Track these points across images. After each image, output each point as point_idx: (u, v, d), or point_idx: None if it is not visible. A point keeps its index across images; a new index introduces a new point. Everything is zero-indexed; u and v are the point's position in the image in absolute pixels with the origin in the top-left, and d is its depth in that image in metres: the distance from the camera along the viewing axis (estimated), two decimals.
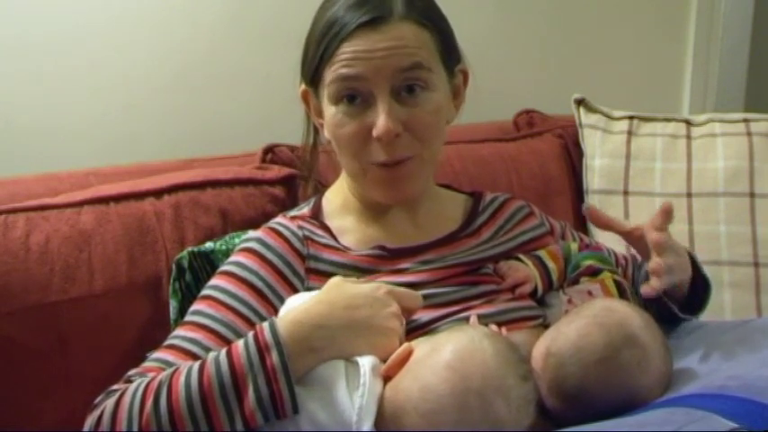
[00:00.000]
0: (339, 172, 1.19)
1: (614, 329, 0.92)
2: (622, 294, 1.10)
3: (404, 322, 0.95)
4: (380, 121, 0.99)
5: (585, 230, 1.54)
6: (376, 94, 1.00)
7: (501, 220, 1.19)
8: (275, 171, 1.37)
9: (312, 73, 1.05)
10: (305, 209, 1.16)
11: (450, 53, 1.08)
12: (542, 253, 1.14)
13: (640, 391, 0.90)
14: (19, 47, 1.42)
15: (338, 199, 1.16)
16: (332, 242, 1.09)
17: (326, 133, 1.09)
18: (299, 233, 1.08)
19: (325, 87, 1.03)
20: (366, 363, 0.87)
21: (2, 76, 1.42)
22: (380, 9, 1.00)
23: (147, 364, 0.95)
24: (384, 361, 0.90)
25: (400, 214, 1.13)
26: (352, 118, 1.02)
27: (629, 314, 0.94)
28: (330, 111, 1.04)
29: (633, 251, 1.39)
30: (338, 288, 0.95)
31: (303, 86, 1.11)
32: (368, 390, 0.85)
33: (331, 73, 1.01)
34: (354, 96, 1.01)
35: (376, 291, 0.94)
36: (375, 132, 1.00)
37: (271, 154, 1.43)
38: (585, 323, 0.94)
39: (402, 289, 0.97)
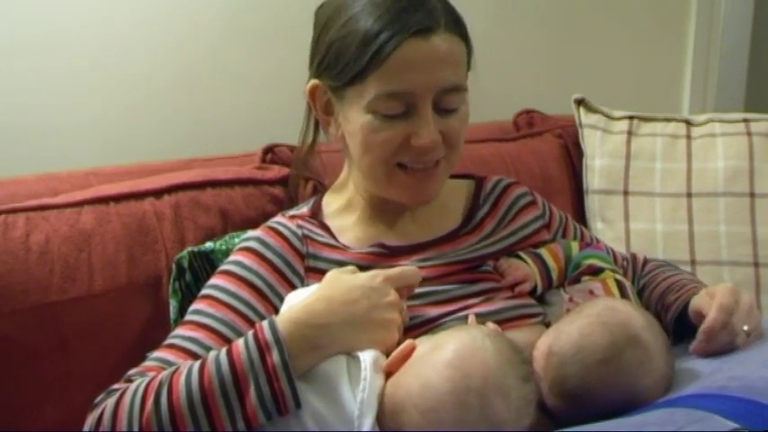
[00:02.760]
0: (338, 173, 1.19)
1: (617, 329, 0.92)
2: (624, 294, 1.10)
3: (404, 309, 0.95)
4: (425, 132, 1.00)
5: (585, 227, 1.54)
6: (419, 106, 1.00)
7: (503, 209, 1.18)
8: (275, 171, 1.37)
9: (350, 78, 1.01)
10: (304, 208, 1.16)
11: (470, 59, 1.09)
12: (543, 251, 1.14)
13: (642, 392, 0.90)
14: (19, 46, 1.42)
15: (341, 199, 1.16)
16: (331, 241, 1.09)
17: (340, 135, 1.08)
18: (299, 232, 1.08)
19: (367, 95, 1.00)
20: (367, 357, 0.88)
21: (2, 75, 1.42)
22: (428, 20, 0.99)
23: (147, 363, 0.95)
24: (385, 353, 0.90)
25: (402, 212, 1.13)
26: (390, 125, 1.01)
27: (631, 314, 0.94)
28: (364, 118, 1.02)
29: (633, 251, 1.40)
30: (336, 282, 0.95)
31: (313, 82, 1.08)
32: (369, 384, 0.85)
33: (378, 85, 0.99)
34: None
35: (372, 280, 0.94)
36: (418, 142, 1.01)
37: (271, 154, 1.43)
38: (588, 323, 0.94)
39: (398, 270, 0.97)
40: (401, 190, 1.07)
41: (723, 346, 0.98)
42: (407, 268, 0.99)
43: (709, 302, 1.01)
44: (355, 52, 1.00)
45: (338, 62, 1.03)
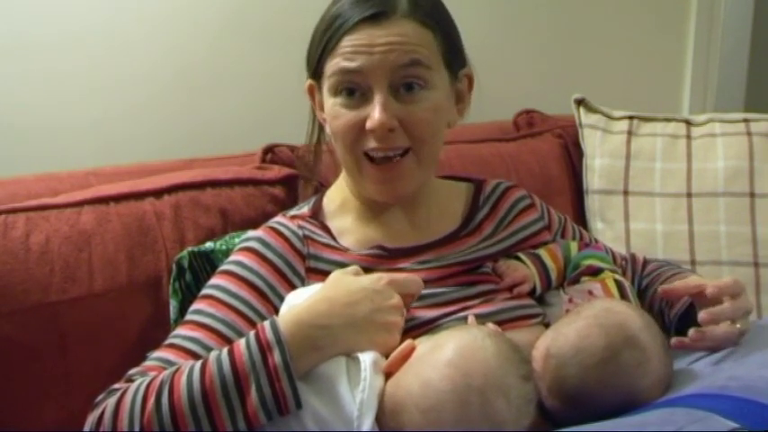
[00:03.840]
0: (339, 172, 1.19)
1: (614, 331, 0.92)
2: (623, 294, 1.10)
3: (405, 313, 0.96)
4: (375, 113, 1.00)
5: (585, 230, 1.55)
6: (374, 88, 1.01)
7: (502, 212, 1.18)
8: (275, 171, 1.37)
9: (315, 65, 1.06)
10: (304, 208, 1.16)
11: (454, 56, 1.08)
12: (542, 252, 1.14)
13: (640, 392, 0.90)
14: (19, 47, 1.42)
15: (338, 198, 1.16)
16: (331, 242, 1.09)
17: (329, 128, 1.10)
18: (299, 232, 1.08)
19: (326, 79, 1.04)
20: (367, 358, 0.88)
21: (2, 76, 1.42)
22: (384, 5, 1.01)
23: (147, 363, 0.95)
24: (385, 356, 0.90)
25: (400, 215, 1.13)
26: (349, 109, 1.03)
27: (629, 315, 0.94)
28: (329, 102, 1.05)
29: (633, 251, 1.40)
30: (338, 283, 0.95)
31: (309, 81, 1.11)
32: (368, 385, 0.85)
33: (332, 66, 1.02)
34: (353, 90, 1.02)
35: (376, 283, 0.94)
36: (369, 124, 1.01)
37: (271, 154, 1.43)
38: (585, 324, 0.93)
39: (402, 275, 0.98)
40: (371, 183, 1.07)
41: (720, 330, 0.97)
42: (412, 276, 0.99)
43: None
44: (318, 41, 1.05)
45: (310, 53, 1.07)
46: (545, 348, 0.94)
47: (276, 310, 1.00)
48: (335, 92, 1.03)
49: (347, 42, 1.01)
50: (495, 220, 1.17)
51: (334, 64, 1.02)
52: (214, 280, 1.04)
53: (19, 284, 1.13)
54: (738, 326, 0.99)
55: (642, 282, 1.27)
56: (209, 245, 1.22)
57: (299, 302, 0.95)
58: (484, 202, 1.19)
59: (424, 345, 0.89)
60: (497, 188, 1.21)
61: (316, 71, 1.07)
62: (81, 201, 1.22)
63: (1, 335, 1.11)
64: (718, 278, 1.52)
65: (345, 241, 1.10)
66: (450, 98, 1.09)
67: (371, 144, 1.03)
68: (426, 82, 1.03)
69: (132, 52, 1.51)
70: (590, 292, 1.09)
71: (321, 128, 1.16)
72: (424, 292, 1.01)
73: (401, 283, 0.96)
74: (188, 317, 1.01)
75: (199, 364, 0.87)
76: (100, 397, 0.90)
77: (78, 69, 1.47)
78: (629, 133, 1.70)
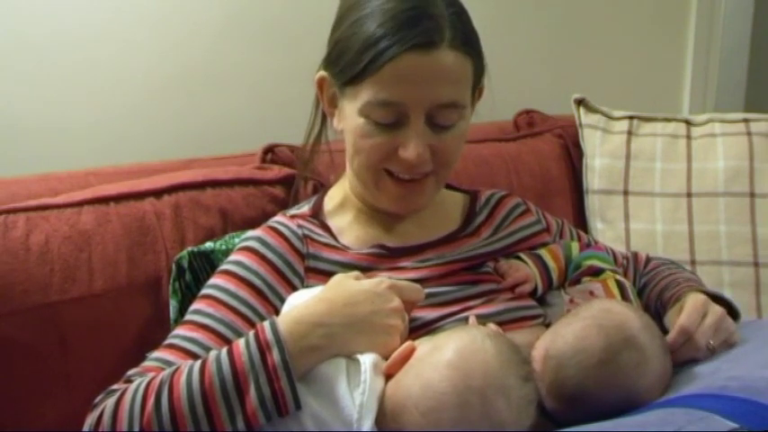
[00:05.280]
0: (339, 172, 1.19)
1: (613, 331, 0.92)
2: (624, 295, 1.10)
3: (406, 317, 0.96)
4: (412, 146, 1.00)
5: (585, 229, 1.55)
6: (411, 118, 1.00)
7: (499, 217, 1.19)
8: (275, 171, 1.37)
9: (348, 79, 1.02)
10: (305, 207, 1.16)
11: (480, 75, 1.08)
12: (543, 252, 1.14)
13: (639, 393, 0.90)
14: (19, 47, 1.42)
15: (338, 197, 1.16)
16: (331, 241, 1.09)
17: (340, 129, 1.09)
18: (299, 232, 1.08)
19: (360, 99, 1.01)
20: (367, 360, 0.88)
21: (2, 76, 1.42)
22: (432, 34, 0.97)
23: (147, 363, 0.95)
24: (385, 358, 0.90)
25: (400, 215, 1.13)
26: (381, 132, 1.02)
27: (628, 316, 0.94)
28: (357, 120, 1.02)
29: (633, 250, 1.40)
30: (339, 285, 0.95)
31: (321, 73, 1.09)
32: (368, 387, 0.85)
33: (371, 92, 0.99)
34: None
35: (377, 286, 0.94)
36: (404, 154, 1.01)
37: (271, 154, 1.43)
38: (584, 325, 0.93)
39: (404, 282, 0.98)
40: (388, 198, 1.07)
41: (685, 360, 0.98)
42: (414, 284, 0.99)
43: (675, 320, 1.02)
44: (355, 55, 1.00)
45: (340, 60, 1.03)
46: (544, 349, 0.94)
47: (276, 310, 1.00)
48: (368, 116, 1.01)
49: (390, 70, 0.97)
50: (493, 224, 1.18)
51: (375, 92, 0.99)
52: (213, 280, 1.04)
53: (19, 284, 1.12)
54: (711, 342, 0.99)
55: (641, 281, 1.27)
56: (208, 245, 1.22)
57: (299, 303, 0.95)
58: (480, 210, 1.19)
59: (423, 346, 0.89)
60: (492, 197, 1.22)
61: (347, 82, 1.02)
62: (81, 201, 1.22)
63: (1, 335, 1.10)
64: (718, 278, 1.55)
65: (346, 240, 1.10)
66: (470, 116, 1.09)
67: (400, 172, 1.03)
68: (460, 116, 1.03)
69: (132, 52, 1.51)
70: (591, 293, 1.09)
71: (323, 124, 1.16)
72: (426, 290, 1.01)
73: (401, 288, 0.96)
74: (187, 317, 1.01)
75: (198, 363, 0.87)
76: (98, 398, 0.90)
77: (78, 69, 1.47)
78: (629, 133, 1.70)
